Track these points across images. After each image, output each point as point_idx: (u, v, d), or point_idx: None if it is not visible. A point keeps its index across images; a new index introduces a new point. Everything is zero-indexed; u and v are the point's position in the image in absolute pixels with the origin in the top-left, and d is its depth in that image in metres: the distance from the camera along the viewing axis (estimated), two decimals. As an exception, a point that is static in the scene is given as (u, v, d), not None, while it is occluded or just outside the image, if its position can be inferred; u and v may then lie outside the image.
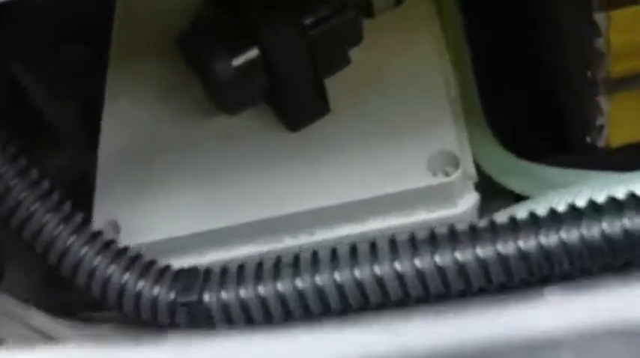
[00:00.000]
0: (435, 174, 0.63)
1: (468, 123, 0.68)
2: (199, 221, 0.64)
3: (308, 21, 0.64)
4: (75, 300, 0.63)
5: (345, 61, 0.68)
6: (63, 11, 0.86)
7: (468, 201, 0.64)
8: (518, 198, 0.67)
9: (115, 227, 0.65)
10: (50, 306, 0.66)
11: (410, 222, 0.63)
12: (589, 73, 0.65)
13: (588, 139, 0.69)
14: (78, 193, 0.66)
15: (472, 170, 0.65)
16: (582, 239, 0.48)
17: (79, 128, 0.90)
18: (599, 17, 0.61)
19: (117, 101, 0.74)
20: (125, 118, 0.73)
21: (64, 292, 0.64)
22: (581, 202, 0.52)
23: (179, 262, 0.63)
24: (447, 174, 0.63)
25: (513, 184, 0.69)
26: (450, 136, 0.64)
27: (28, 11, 0.82)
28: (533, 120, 0.82)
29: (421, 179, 0.62)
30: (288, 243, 0.65)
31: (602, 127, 0.68)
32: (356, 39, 0.67)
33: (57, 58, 0.90)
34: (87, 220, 0.58)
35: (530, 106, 0.83)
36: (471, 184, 0.65)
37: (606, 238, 0.48)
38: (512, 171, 0.69)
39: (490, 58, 0.79)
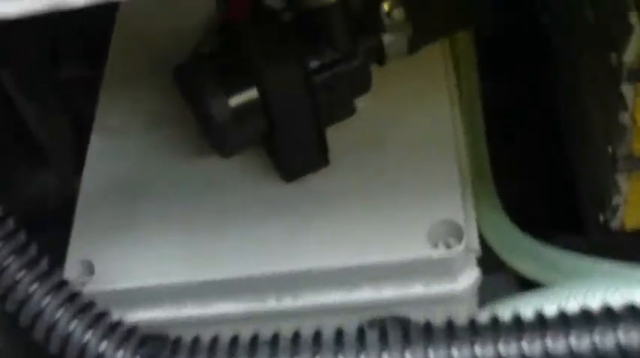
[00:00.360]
0: (435, 244, 0.58)
1: (475, 189, 0.63)
2: (178, 271, 0.60)
3: (313, 65, 0.59)
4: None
5: (349, 111, 0.63)
6: (61, 29, 0.82)
7: (468, 278, 0.59)
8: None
9: (89, 268, 0.60)
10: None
11: (404, 296, 0.59)
12: (610, 148, 0.61)
13: (601, 218, 0.65)
14: (63, 217, 0.64)
15: (476, 243, 0.59)
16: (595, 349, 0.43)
17: (69, 148, 0.86)
18: (626, 89, 0.56)
19: (105, 129, 0.70)
20: (112, 150, 0.68)
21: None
22: (592, 302, 0.46)
23: (153, 314, 0.60)
24: (448, 246, 0.58)
25: (518, 264, 0.64)
26: (455, 205, 0.59)
27: (23, 26, 0.78)
28: (545, 193, 0.79)
29: (420, 249, 0.57)
30: (270, 305, 0.60)
31: (617, 207, 0.63)
32: (364, 88, 0.63)
33: (52, 75, 0.86)
34: (53, 266, 0.53)
35: (542, 178, 0.80)
36: (473, 258, 0.59)
37: (621, 350, 0.43)
38: (518, 250, 0.64)
39: (505, 122, 0.74)
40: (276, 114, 0.58)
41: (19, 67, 0.78)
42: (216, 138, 0.60)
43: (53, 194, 0.84)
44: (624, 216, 0.63)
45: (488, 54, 0.78)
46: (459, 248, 0.57)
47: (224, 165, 0.64)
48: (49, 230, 0.71)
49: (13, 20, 0.41)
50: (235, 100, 0.58)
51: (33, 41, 0.78)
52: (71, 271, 0.60)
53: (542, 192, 0.80)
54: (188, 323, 0.60)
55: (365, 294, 0.58)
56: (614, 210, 0.63)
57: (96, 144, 0.68)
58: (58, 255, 0.59)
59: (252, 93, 0.58)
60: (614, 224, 0.64)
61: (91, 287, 0.58)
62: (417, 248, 0.57)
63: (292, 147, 0.61)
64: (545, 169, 0.80)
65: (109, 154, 0.68)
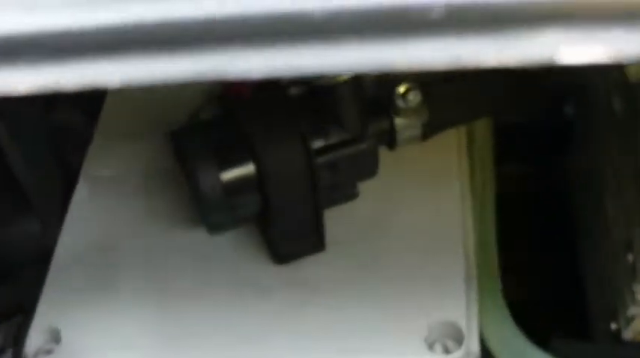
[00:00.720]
0: (431, 347, 0.54)
1: (479, 285, 0.58)
2: (150, 352, 0.56)
3: (317, 144, 0.56)
4: None
5: (352, 195, 0.59)
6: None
7: None
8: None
9: (56, 336, 0.56)
10: None
11: None
12: (630, 257, 0.57)
13: (613, 327, 0.61)
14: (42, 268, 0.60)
15: (476, 348, 0.55)
16: None
17: (56, 197, 0.81)
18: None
19: (91, 184, 0.66)
20: (95, 210, 0.64)
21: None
22: None
23: None
24: (446, 350, 0.53)
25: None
26: (457, 305, 0.55)
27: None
28: (552, 293, 0.75)
29: (415, 353, 0.53)
30: None
31: (632, 318, 0.59)
32: (369, 172, 0.59)
33: (45, 119, 0.82)
34: None
35: (550, 280, 0.76)
36: (471, 364, 0.55)
37: None
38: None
39: (517, 220, 0.70)
40: (272, 193, 0.55)
41: (12, 113, 0.74)
42: (205, 214, 0.56)
43: (34, 243, 0.79)
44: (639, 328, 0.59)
45: (507, 139, 0.73)
46: (457, 353, 0.53)
47: (212, 239, 0.60)
48: (24, 280, 0.68)
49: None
50: (228, 175, 0.54)
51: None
52: (36, 337, 0.56)
53: (549, 291, 0.76)
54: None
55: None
56: (629, 321, 0.59)
57: (79, 198, 0.65)
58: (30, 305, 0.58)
59: (247, 169, 0.55)
60: (627, 334, 0.60)
61: None
62: (411, 350, 0.53)
63: (287, 228, 0.57)
64: (554, 267, 0.76)
65: (92, 212, 0.64)
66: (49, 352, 0.55)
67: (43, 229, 0.79)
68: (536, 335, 0.62)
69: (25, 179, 0.79)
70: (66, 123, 0.82)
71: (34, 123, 0.78)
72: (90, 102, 0.75)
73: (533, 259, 0.76)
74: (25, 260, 0.63)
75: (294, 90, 0.56)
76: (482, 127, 0.68)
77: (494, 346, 0.60)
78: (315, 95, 0.56)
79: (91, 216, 0.63)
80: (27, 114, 0.77)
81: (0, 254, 0.81)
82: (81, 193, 0.65)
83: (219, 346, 0.55)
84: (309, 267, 0.59)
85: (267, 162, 0.54)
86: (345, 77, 0.54)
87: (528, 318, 0.62)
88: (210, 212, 0.55)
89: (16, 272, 0.74)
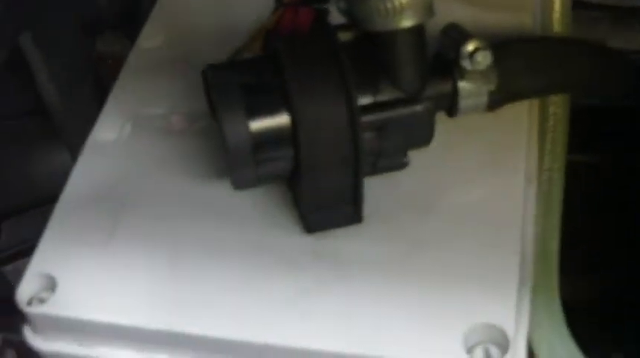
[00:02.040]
0: (471, 351, 0.46)
1: (535, 291, 0.51)
2: (152, 315, 0.49)
3: (365, 100, 0.48)
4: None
5: (400, 164, 0.52)
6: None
7: None
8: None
9: (51, 284, 0.51)
10: None
11: None
12: None
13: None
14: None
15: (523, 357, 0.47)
16: None
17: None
18: None
19: (112, 121, 0.60)
20: (112, 152, 0.58)
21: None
22: None
23: (116, 354, 0.51)
24: (488, 357, 0.46)
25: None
26: (507, 308, 0.48)
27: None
28: (615, 302, 0.69)
29: (450, 354, 0.46)
30: None
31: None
32: (423, 140, 0.51)
33: (81, 49, 0.76)
34: None
35: (613, 285, 0.70)
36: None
37: None
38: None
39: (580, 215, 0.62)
40: (306, 151, 0.47)
41: (46, 34, 0.68)
42: (229, 163, 0.48)
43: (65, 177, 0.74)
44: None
45: (583, 124, 0.65)
46: None
47: (236, 198, 0.53)
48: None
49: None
50: (258, 124, 0.47)
51: (66, 5, 0.69)
52: (31, 283, 0.51)
53: (611, 297, 0.72)
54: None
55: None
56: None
57: (96, 138, 0.59)
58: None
59: (280, 120, 0.47)
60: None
61: (47, 310, 0.50)
62: (446, 352, 0.46)
63: (320, 193, 0.50)
64: (618, 270, 0.71)
65: (108, 154, 0.58)
66: (42, 300, 0.50)
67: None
68: (593, 347, 0.54)
69: (57, 109, 0.74)
70: (107, 54, 0.77)
71: (70, 51, 0.73)
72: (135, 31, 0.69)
73: (596, 260, 0.69)
74: (54, 196, 0.57)
75: (344, 36, 0.49)
76: (559, 105, 0.60)
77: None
78: (368, 43, 0.48)
79: (106, 159, 0.57)
80: (64, 41, 0.72)
81: (27, 189, 0.77)
82: (99, 133, 0.59)
83: (228, 316, 0.49)
84: (341, 240, 0.51)
85: (303, 113, 0.46)
86: (407, 24, 0.46)
87: (585, 327, 0.55)
88: (235, 164, 0.48)
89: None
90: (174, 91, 0.61)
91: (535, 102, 0.59)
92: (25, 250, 0.72)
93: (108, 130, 0.59)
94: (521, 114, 0.57)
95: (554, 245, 0.55)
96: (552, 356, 0.52)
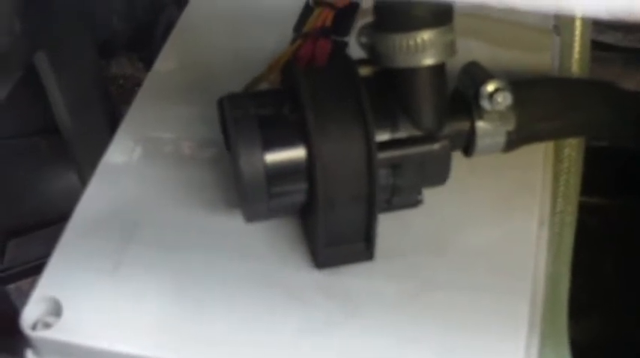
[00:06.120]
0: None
1: (544, 335, 0.50)
2: (154, 345, 0.49)
3: (383, 137, 0.48)
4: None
5: (414, 201, 0.51)
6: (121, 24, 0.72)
7: None
8: None
9: (56, 308, 0.50)
10: None
11: None
12: None
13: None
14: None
15: None
16: None
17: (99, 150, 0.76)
18: None
19: (125, 148, 0.59)
20: (124, 176, 0.57)
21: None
22: None
23: None
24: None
25: None
26: (515, 353, 0.47)
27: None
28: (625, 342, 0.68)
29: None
30: None
31: None
32: (439, 178, 0.51)
33: (95, 69, 0.76)
34: None
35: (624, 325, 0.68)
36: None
37: None
38: None
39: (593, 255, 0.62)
40: (321, 185, 0.47)
41: (60, 54, 0.68)
42: (242, 195, 0.48)
43: (73, 197, 0.74)
44: None
45: (597, 167, 0.64)
46: None
47: (247, 231, 0.53)
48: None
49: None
50: (273, 157, 0.46)
51: (82, 27, 0.68)
52: (36, 307, 0.51)
53: (621, 337, 0.70)
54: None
55: None
56: None
57: (109, 162, 0.58)
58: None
59: (296, 153, 0.47)
60: None
61: (52, 335, 0.49)
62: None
63: (333, 228, 0.49)
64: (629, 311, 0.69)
65: (120, 178, 0.57)
66: (47, 325, 0.50)
67: (83, 185, 0.74)
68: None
69: (67, 129, 0.74)
70: (120, 76, 0.77)
71: (83, 71, 0.72)
72: (148, 54, 0.68)
73: (608, 302, 0.68)
74: (61, 216, 0.56)
75: (363, 71, 0.48)
76: (573, 148, 0.59)
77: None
78: (388, 79, 0.48)
79: (118, 183, 0.57)
80: (78, 62, 0.72)
81: (34, 208, 0.76)
82: (112, 156, 0.59)
83: (235, 349, 0.48)
84: (351, 277, 0.51)
85: (320, 148, 0.46)
86: (429, 62, 0.46)
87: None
88: (249, 196, 0.47)
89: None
90: (188, 117, 0.60)
91: (550, 144, 0.58)
92: (28, 270, 0.72)
93: (120, 153, 0.59)
94: (537, 155, 0.57)
95: (564, 288, 0.54)
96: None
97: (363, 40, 0.48)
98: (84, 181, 0.72)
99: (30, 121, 0.75)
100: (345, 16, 0.62)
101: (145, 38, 0.77)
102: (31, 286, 0.52)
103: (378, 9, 0.47)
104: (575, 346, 0.54)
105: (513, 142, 0.51)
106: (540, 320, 0.50)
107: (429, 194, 0.52)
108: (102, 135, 0.72)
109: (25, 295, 0.52)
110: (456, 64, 0.50)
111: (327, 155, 0.46)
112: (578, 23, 0.61)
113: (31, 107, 0.73)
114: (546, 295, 0.52)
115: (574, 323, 0.55)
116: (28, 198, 0.78)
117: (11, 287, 0.76)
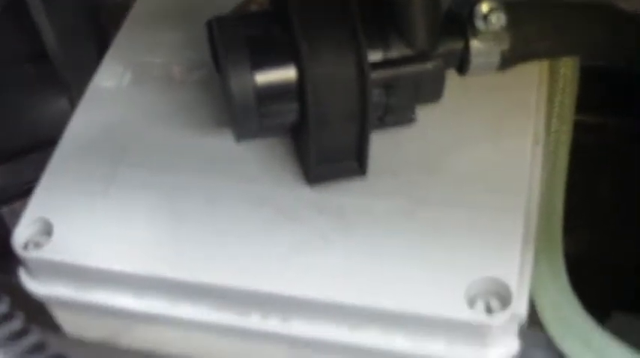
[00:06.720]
0: (472, 305, 0.46)
1: (538, 249, 0.50)
2: (147, 262, 0.49)
3: (375, 56, 0.47)
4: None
5: (407, 119, 0.51)
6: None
7: (504, 350, 0.47)
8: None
9: (47, 229, 0.51)
10: None
11: (418, 351, 0.47)
12: None
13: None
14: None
15: (524, 312, 0.47)
16: None
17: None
18: None
19: (114, 71, 0.59)
20: (114, 99, 0.57)
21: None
22: None
23: (113, 300, 0.51)
24: (488, 309, 0.46)
25: (570, 349, 0.50)
26: (510, 261, 0.47)
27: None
28: (618, 261, 0.69)
29: (451, 306, 0.46)
30: (253, 322, 0.49)
31: None
32: (432, 96, 0.50)
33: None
34: None
35: (617, 244, 0.69)
36: (514, 329, 0.47)
37: None
38: (573, 333, 0.51)
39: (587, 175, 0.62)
40: (314, 104, 0.46)
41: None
42: (233, 116, 0.48)
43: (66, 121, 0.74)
44: None
45: (591, 87, 0.64)
46: (502, 315, 0.45)
47: (238, 150, 0.53)
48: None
49: None
50: (263, 77, 0.46)
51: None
52: (27, 227, 0.51)
53: (614, 255, 0.71)
54: (152, 319, 0.51)
55: (370, 339, 0.48)
56: None
57: (99, 84, 0.58)
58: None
59: (286, 73, 0.46)
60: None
61: (43, 254, 0.50)
62: (446, 303, 0.46)
63: (325, 145, 0.49)
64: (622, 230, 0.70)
65: (110, 100, 0.57)
66: (38, 245, 0.50)
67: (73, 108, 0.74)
68: (594, 303, 0.54)
69: (57, 54, 0.73)
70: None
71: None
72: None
73: (601, 220, 0.69)
74: (53, 140, 0.56)
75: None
76: (568, 67, 0.59)
77: (545, 315, 0.52)
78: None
79: (107, 105, 0.57)
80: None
81: (27, 133, 0.76)
82: (101, 78, 0.58)
83: (227, 264, 0.48)
84: (343, 193, 0.51)
85: (311, 67, 0.45)
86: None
87: (587, 283, 0.54)
88: (239, 115, 0.47)
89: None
90: (177, 41, 0.60)
91: (545, 63, 0.58)
92: (22, 193, 0.72)
93: (109, 77, 0.59)
94: (532, 75, 0.56)
95: (559, 204, 0.55)
96: (554, 311, 0.51)
97: None
98: (75, 103, 0.72)
99: (19, 48, 0.74)
100: None
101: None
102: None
103: None
104: (570, 259, 0.54)
105: (508, 61, 0.51)
106: (535, 233, 0.50)
107: (422, 114, 0.51)
108: (92, 60, 0.71)
109: (18, 217, 0.52)
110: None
111: (319, 76, 0.46)
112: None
113: (19, 34, 0.72)
114: (541, 211, 0.52)
115: (568, 238, 0.56)
116: (20, 123, 0.78)
117: (5, 209, 0.76)
